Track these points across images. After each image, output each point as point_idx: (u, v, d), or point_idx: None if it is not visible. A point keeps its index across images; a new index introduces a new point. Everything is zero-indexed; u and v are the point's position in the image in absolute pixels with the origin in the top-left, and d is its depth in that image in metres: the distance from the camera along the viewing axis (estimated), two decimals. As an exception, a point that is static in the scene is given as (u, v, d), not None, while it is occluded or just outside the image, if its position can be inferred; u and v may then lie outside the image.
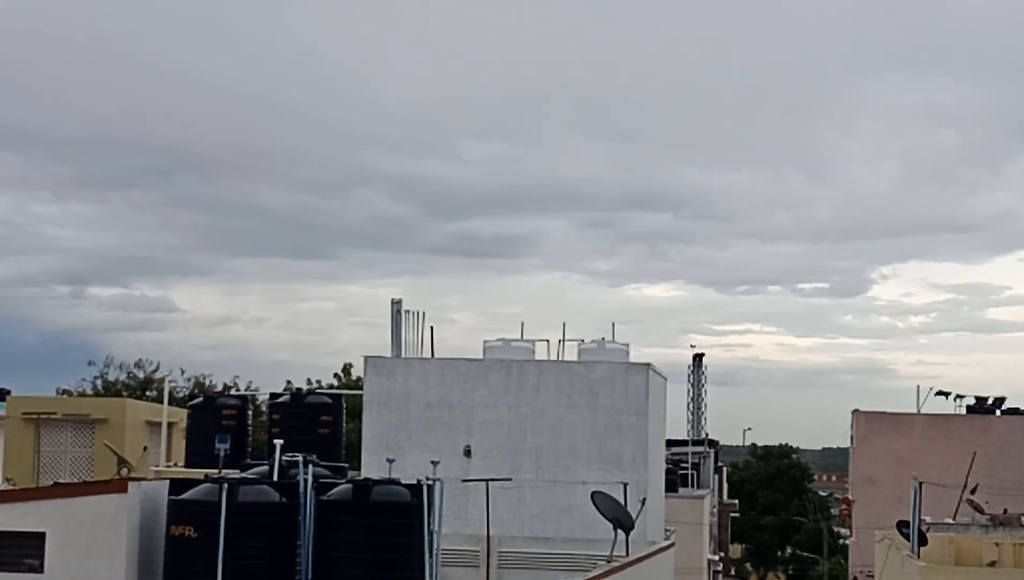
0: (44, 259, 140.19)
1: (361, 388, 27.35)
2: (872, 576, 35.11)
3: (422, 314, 27.32)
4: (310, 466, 16.83)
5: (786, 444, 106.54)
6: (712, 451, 63.36)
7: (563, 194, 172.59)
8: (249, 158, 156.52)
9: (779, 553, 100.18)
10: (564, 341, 27.66)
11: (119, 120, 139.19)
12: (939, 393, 46.70)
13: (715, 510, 57.20)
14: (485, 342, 27.30)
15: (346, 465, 22.51)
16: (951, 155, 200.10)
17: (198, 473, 23.15)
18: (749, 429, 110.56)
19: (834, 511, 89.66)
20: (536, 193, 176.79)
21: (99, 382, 62.29)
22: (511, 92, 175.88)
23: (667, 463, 37.17)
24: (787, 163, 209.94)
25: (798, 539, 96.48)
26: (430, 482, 17.18)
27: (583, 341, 27.42)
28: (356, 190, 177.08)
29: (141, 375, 63.06)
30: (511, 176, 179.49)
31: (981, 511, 31.81)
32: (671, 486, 40.43)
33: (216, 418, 31.25)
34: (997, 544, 27.02)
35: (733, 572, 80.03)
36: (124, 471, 32.73)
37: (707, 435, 78.34)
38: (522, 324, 27.79)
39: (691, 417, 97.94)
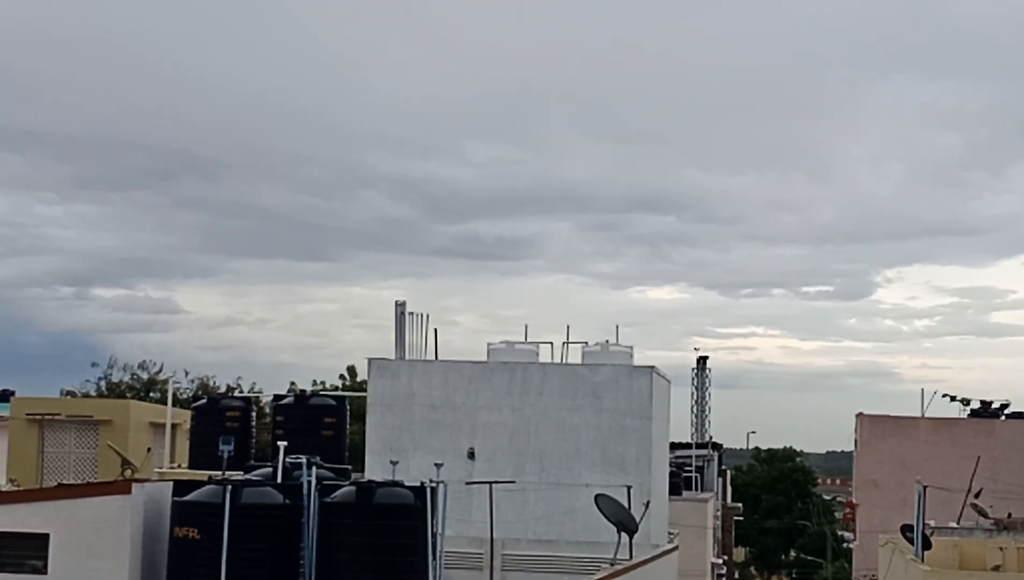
0: (47, 260, 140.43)
1: (365, 390, 27.35)
2: (876, 580, 35.07)
3: (426, 316, 27.34)
4: (313, 468, 16.84)
5: (790, 447, 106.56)
6: (716, 454, 63.25)
7: (567, 196, 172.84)
8: (252, 159, 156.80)
9: (783, 557, 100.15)
10: (568, 343, 27.67)
11: (122, 121, 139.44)
12: (944, 397, 46.72)
13: (719, 513, 57.13)
14: (489, 344, 27.30)
15: (350, 467, 22.52)
16: (955, 158, 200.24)
17: (202, 475, 23.19)
18: (753, 432, 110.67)
19: (838, 515, 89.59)
20: (540, 195, 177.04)
21: (103, 383, 62.36)
22: (515, 93, 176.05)
23: (671, 466, 37.11)
24: (791, 165, 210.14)
25: (802, 543, 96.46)
26: (434, 484, 17.16)
27: (587, 343, 27.41)
28: (359, 191, 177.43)
29: (145, 376, 63.13)
30: (515, 178, 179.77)
31: (985, 515, 31.79)
32: (675, 489, 40.40)
33: (220, 420, 31.29)
34: (1001, 548, 27.01)
35: (737, 576, 79.91)
36: (128, 472, 32.74)
37: (711, 438, 78.31)
38: (526, 326, 27.81)
39: (695, 420, 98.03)
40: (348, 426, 31.56)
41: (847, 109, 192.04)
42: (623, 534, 21.46)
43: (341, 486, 17.13)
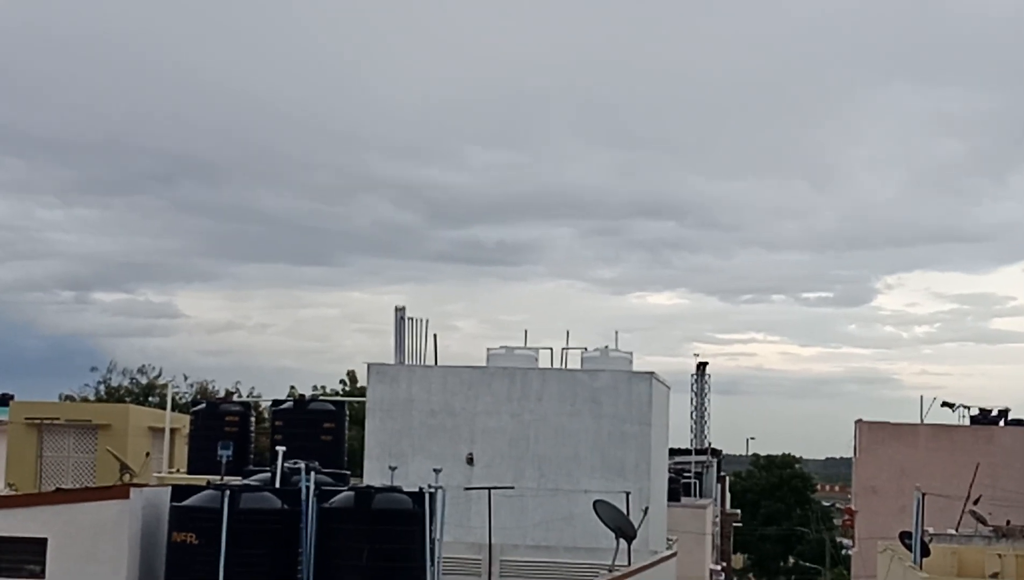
0: (48, 264, 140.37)
1: (365, 395, 27.35)
2: (875, 587, 35.03)
3: (425, 321, 27.37)
4: (312, 473, 16.82)
5: (788, 454, 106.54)
6: (715, 460, 63.25)
7: (567, 201, 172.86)
8: (253, 163, 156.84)
9: (781, 563, 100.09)
10: (567, 349, 27.69)
11: (124, 125, 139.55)
12: (944, 404, 46.66)
13: (717, 520, 57.10)
14: (488, 350, 27.31)
15: (348, 472, 22.50)
16: (956, 164, 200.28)
17: (200, 479, 23.15)
18: (752, 438, 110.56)
19: (837, 521, 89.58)
20: (540, 200, 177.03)
21: (102, 387, 62.35)
22: (516, 99, 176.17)
23: (670, 472, 37.10)
24: (792, 171, 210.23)
25: (801, 549, 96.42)
26: (432, 490, 17.15)
27: (586, 349, 27.42)
28: (360, 196, 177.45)
29: (144, 381, 63.12)
30: (516, 183, 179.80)
31: (984, 522, 31.73)
32: (674, 495, 40.37)
33: (219, 424, 31.29)
34: (1000, 556, 26.97)
35: (735, 582, 79.85)
36: (126, 477, 32.71)
37: (710, 444, 78.29)
38: (525, 332, 27.83)
39: (694, 426, 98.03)
40: (347, 431, 31.56)
41: (848, 115, 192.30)
42: (622, 540, 21.44)
43: (340, 491, 17.12)
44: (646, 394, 25.95)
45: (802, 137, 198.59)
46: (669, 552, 27.03)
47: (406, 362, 26.89)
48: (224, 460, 22.50)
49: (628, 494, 23.47)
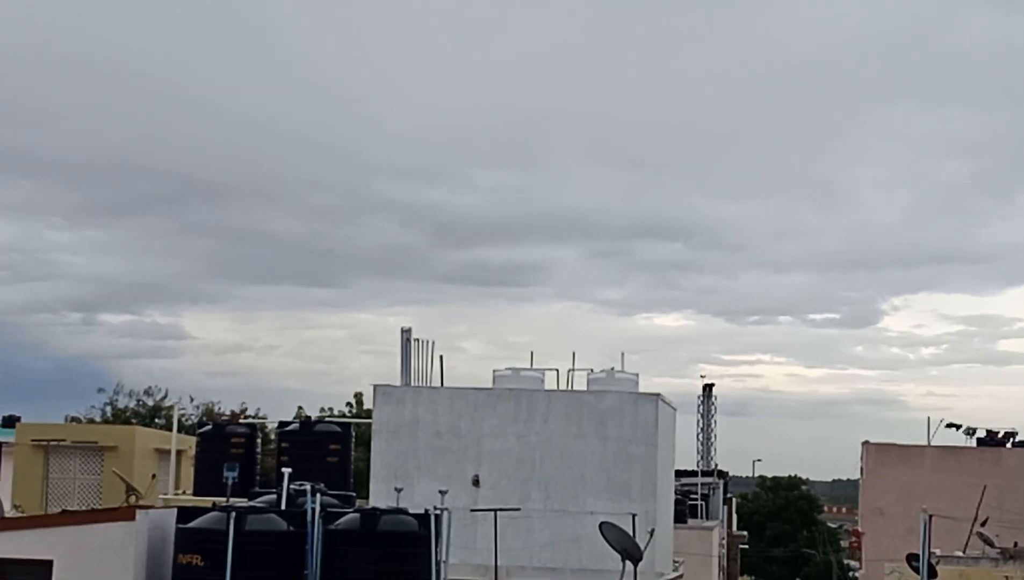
0: (56, 286, 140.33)
1: (371, 417, 27.34)
2: (882, 609, 34.91)
3: (431, 342, 27.34)
4: (318, 495, 16.82)
5: (795, 475, 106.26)
6: (721, 482, 63.11)
7: (573, 223, 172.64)
8: (260, 185, 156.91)
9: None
10: (573, 370, 27.65)
11: (131, 147, 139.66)
12: (950, 425, 46.57)
13: (724, 541, 56.91)
14: (494, 371, 27.30)
15: (354, 494, 22.50)
16: (962, 185, 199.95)
17: (206, 501, 23.17)
18: (759, 460, 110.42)
19: (844, 543, 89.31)
20: (546, 221, 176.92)
21: (108, 409, 62.37)
22: (522, 121, 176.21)
23: (676, 494, 37.03)
24: (797, 192, 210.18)
25: (808, 571, 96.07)
26: (438, 511, 17.15)
27: (592, 370, 27.38)
28: (367, 218, 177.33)
29: (150, 402, 63.13)
30: (521, 204, 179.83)
31: (991, 544, 31.66)
32: (680, 517, 40.28)
33: (225, 446, 31.27)
34: (1007, 577, 26.93)
35: (742, 604, 79.55)
36: (132, 499, 32.72)
37: (716, 466, 78.17)
38: (531, 353, 27.79)
39: (701, 447, 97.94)
40: (353, 452, 31.54)
41: (853, 136, 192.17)
42: (628, 562, 21.40)
43: (345, 513, 17.13)
44: (652, 416, 25.93)
45: (807, 158, 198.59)
46: (675, 574, 26.99)
47: (412, 383, 26.88)
48: (230, 482, 22.49)
49: (634, 516, 23.45)
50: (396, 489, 19.31)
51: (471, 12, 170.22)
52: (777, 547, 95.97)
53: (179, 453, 36.38)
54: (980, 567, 29.07)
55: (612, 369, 27.18)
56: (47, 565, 16.99)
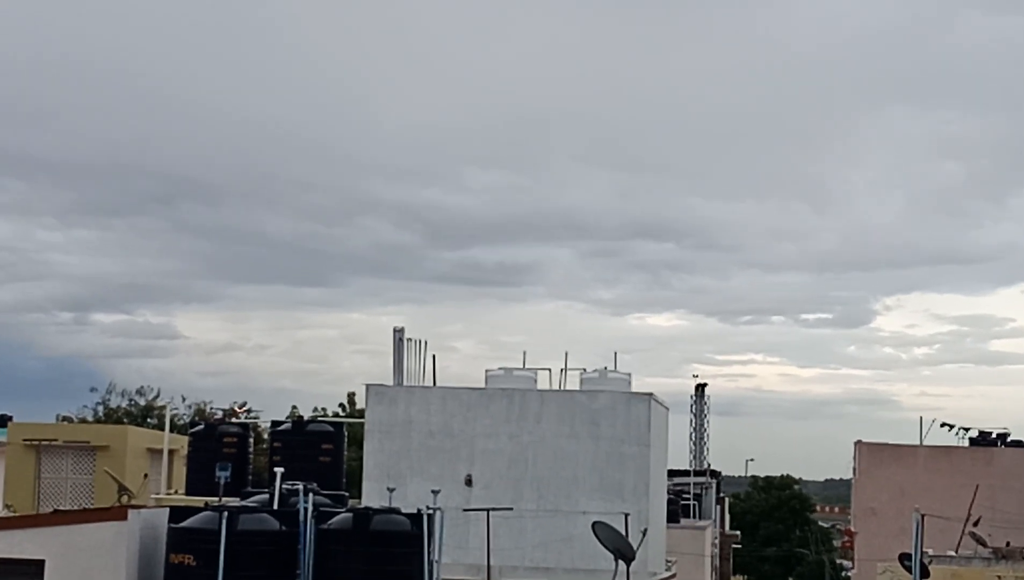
0: (47, 285, 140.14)
1: (363, 417, 27.33)
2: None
3: (424, 342, 27.34)
4: (310, 494, 16.80)
5: (787, 475, 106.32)
6: (714, 482, 63.15)
7: (566, 223, 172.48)
8: (253, 185, 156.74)
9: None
10: (566, 370, 27.66)
11: (124, 147, 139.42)
12: (943, 425, 46.66)
13: (717, 541, 56.95)
14: (487, 371, 27.29)
15: (347, 494, 22.46)
16: (956, 186, 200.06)
17: (198, 501, 23.12)
18: (751, 460, 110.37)
19: (836, 543, 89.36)
20: (539, 222, 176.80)
21: (100, 409, 62.27)
22: (516, 121, 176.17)
23: (669, 493, 37.04)
24: (791, 193, 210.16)
25: (800, 571, 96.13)
26: (431, 511, 17.13)
27: (585, 370, 27.40)
28: (360, 217, 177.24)
29: (142, 402, 63.03)
30: (515, 204, 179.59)
31: (984, 544, 31.71)
32: (673, 516, 40.29)
33: (217, 446, 31.23)
34: (999, 577, 26.97)
35: (735, 604, 79.55)
36: (124, 498, 32.66)
37: (709, 465, 78.16)
38: (524, 353, 27.78)
39: (693, 447, 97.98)
40: (346, 452, 31.50)
41: (847, 138, 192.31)
42: (620, 562, 21.39)
43: (338, 513, 17.10)
44: (645, 415, 25.94)
45: (801, 159, 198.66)
46: (668, 574, 26.99)
47: (405, 383, 26.87)
48: (222, 481, 22.45)
49: (627, 515, 23.43)
50: (388, 489, 19.27)
51: (467, 12, 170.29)
52: (770, 547, 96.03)
53: (171, 453, 36.31)
54: (972, 567, 29.11)
55: (605, 369, 27.18)
56: (39, 565, 16.95)
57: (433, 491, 18.11)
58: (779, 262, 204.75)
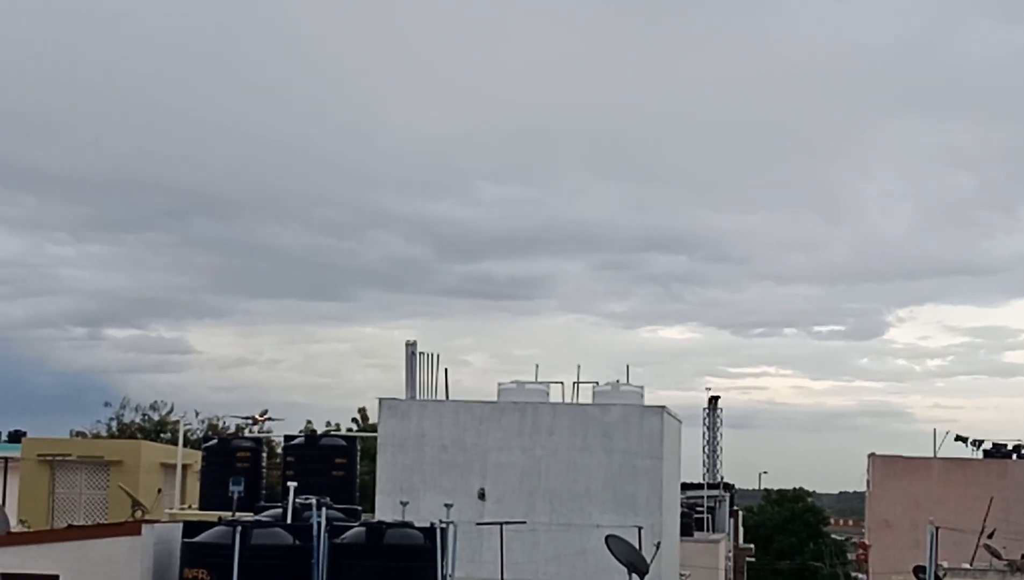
0: (60, 300, 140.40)
1: (376, 431, 27.34)
2: (889, 621, 34.85)
3: (436, 356, 27.35)
4: (323, 509, 16.83)
5: (800, 488, 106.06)
6: (728, 495, 63.02)
7: (578, 236, 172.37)
8: (265, 199, 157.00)
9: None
10: (578, 383, 27.64)
11: (136, 162, 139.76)
12: (957, 438, 46.57)
13: (731, 554, 56.84)
14: (499, 384, 27.29)
15: (360, 508, 22.49)
16: (968, 197, 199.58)
17: (212, 515, 23.16)
18: (765, 473, 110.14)
19: (851, 555, 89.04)
20: (551, 235, 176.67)
21: (114, 424, 62.38)
22: (527, 134, 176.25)
23: (682, 507, 36.99)
24: (803, 205, 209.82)
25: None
26: (444, 525, 17.15)
27: (597, 383, 27.38)
28: (371, 231, 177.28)
29: (156, 417, 63.13)
30: (526, 218, 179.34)
31: (998, 556, 31.63)
32: (686, 530, 40.23)
33: (230, 460, 31.28)
34: (1014, 589, 26.85)
35: (749, 617, 79.33)
36: (138, 513, 32.69)
37: (723, 478, 78.03)
38: (536, 366, 27.78)
39: (707, 460, 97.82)
40: (359, 466, 31.52)
41: (858, 149, 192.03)
42: (634, 575, 21.38)
43: (351, 527, 17.12)
44: (657, 428, 25.92)
45: (812, 171, 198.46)
46: (682, 587, 26.94)
47: (417, 397, 26.89)
48: (236, 496, 22.50)
49: (640, 529, 23.42)
50: (401, 503, 19.30)
51: (476, 24, 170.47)
52: (784, 560, 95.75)
53: (185, 467, 36.36)
54: (987, 579, 29.01)
55: (617, 382, 27.17)
56: (53, 579, 17.01)
57: (446, 505, 18.13)
58: (791, 274, 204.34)
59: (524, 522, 24.40)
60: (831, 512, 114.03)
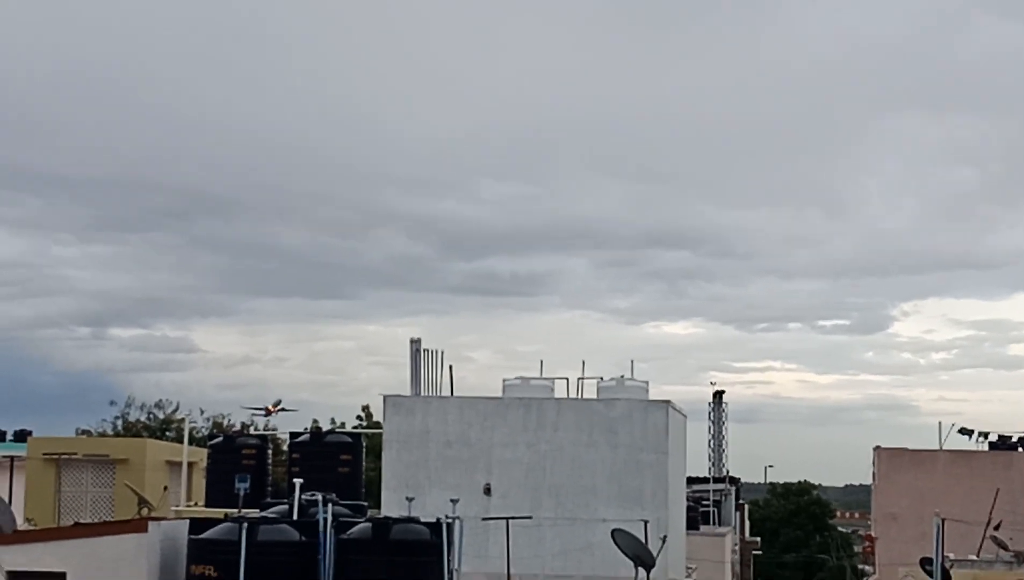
0: (64, 301, 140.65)
1: (381, 428, 27.37)
2: (895, 614, 34.85)
3: (441, 353, 27.37)
4: (330, 505, 16.85)
5: (806, 481, 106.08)
6: (733, 488, 63.05)
7: (582, 232, 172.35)
8: (268, 199, 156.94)
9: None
10: (583, 379, 27.64)
11: (139, 162, 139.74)
12: (962, 431, 46.51)
13: (737, 548, 56.84)
14: (504, 380, 27.31)
15: (366, 504, 22.51)
16: (970, 192, 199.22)
17: (218, 512, 23.19)
18: (771, 466, 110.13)
19: (857, 548, 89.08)
20: (555, 231, 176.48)
21: (119, 422, 62.48)
22: (530, 132, 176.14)
23: (688, 501, 37.00)
24: (806, 200, 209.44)
25: (821, 577, 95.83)
26: (449, 520, 17.18)
27: (602, 379, 27.39)
28: (375, 230, 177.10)
29: (161, 415, 63.22)
30: (530, 215, 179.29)
31: (1005, 547, 31.62)
32: (692, 523, 40.25)
33: (236, 458, 31.33)
34: (1021, 581, 26.84)
35: (755, 610, 79.34)
36: (144, 511, 32.76)
37: (728, 472, 78.09)
38: (541, 362, 27.81)
39: (712, 454, 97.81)
40: (364, 463, 31.56)
41: (861, 144, 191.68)
42: (640, 569, 21.40)
43: (357, 523, 17.15)
44: (663, 423, 25.93)
45: (815, 166, 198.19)
46: (688, 581, 26.96)
47: (422, 394, 26.91)
48: (242, 493, 22.50)
49: (646, 523, 23.44)
50: (407, 499, 19.33)
51: (479, 24, 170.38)
52: (790, 553, 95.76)
53: (190, 465, 36.44)
54: (994, 570, 29.03)
55: (622, 377, 27.17)
56: (60, 577, 17.05)
57: (452, 500, 18.15)
58: (795, 269, 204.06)
59: (530, 517, 24.43)
60: (837, 505, 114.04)
